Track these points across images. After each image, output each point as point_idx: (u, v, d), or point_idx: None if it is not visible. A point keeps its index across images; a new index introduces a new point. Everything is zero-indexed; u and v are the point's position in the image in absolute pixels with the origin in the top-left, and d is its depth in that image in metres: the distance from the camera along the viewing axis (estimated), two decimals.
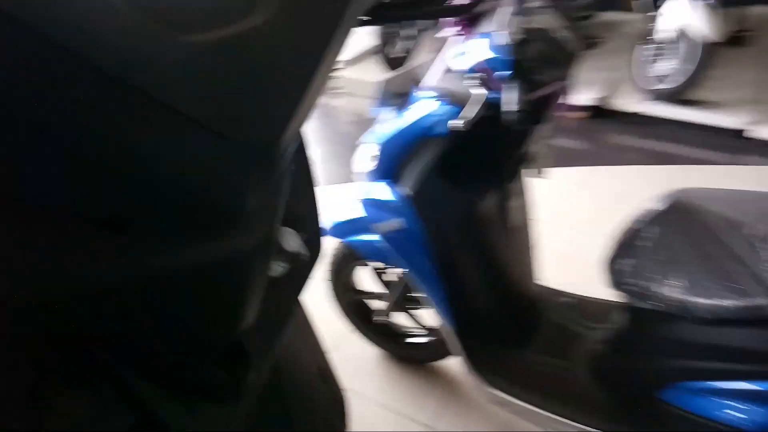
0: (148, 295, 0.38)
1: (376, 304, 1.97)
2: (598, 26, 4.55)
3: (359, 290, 1.98)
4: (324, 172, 3.40)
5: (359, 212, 1.60)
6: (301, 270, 0.62)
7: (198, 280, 0.40)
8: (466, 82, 1.26)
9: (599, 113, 3.70)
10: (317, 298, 2.15)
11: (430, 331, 1.93)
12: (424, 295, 1.55)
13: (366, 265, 1.85)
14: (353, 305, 1.97)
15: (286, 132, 0.40)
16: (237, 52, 0.36)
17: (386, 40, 4.26)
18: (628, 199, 2.88)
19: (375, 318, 1.89)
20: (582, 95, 3.63)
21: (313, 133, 3.98)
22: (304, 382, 0.79)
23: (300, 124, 0.43)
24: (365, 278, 1.95)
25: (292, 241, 0.57)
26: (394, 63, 4.21)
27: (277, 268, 0.58)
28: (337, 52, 0.45)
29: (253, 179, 0.39)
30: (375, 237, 1.58)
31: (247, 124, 0.37)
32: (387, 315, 1.89)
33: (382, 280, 1.91)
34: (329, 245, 1.88)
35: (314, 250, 0.65)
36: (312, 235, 0.65)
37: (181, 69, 0.34)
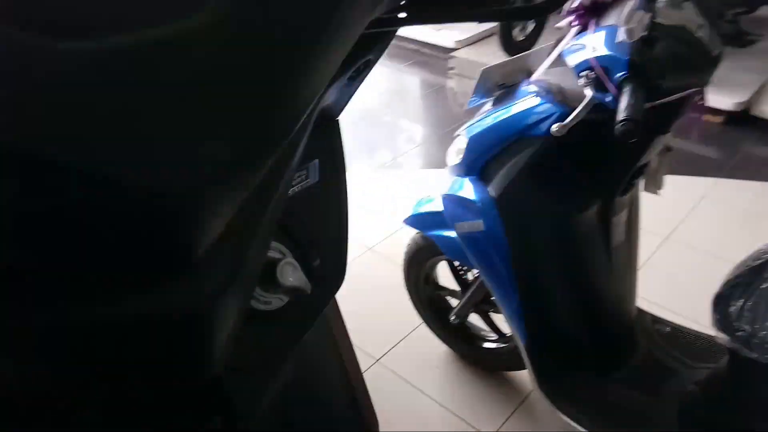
0: (92, 343, 0.33)
1: (453, 302, 1.89)
2: (754, 22, 4.05)
3: (437, 285, 1.91)
4: (426, 155, 3.33)
5: (439, 206, 1.52)
6: (307, 303, 0.56)
7: (142, 329, 0.34)
8: (579, 81, 1.13)
9: (738, 119, 3.30)
10: (390, 282, 2.12)
11: (507, 338, 1.83)
12: (499, 302, 1.45)
13: (446, 259, 1.78)
14: (428, 299, 1.91)
15: (260, 156, 0.32)
16: (168, 62, 0.28)
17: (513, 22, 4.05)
18: (760, 221, 2.55)
19: (451, 316, 1.81)
20: (719, 97, 3.25)
21: (420, 112, 3.90)
22: (328, 410, 0.74)
23: (289, 140, 0.35)
24: (445, 273, 1.87)
25: (290, 273, 0.51)
26: (515, 48, 4.00)
27: (274, 302, 0.52)
28: (334, 57, 0.35)
29: (207, 214, 0.32)
30: (454, 234, 1.50)
31: (190, 156, 0.28)
32: (463, 315, 1.81)
33: (462, 278, 1.82)
34: (407, 234, 1.82)
35: (333, 276, 0.58)
36: (332, 258, 0.58)
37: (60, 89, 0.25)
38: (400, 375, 1.91)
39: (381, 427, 1.74)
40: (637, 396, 1.45)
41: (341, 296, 2.33)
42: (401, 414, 1.79)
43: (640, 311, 1.62)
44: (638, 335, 1.56)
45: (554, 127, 1.14)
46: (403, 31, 4.56)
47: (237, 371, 0.46)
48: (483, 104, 1.47)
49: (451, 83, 4.19)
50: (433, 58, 4.50)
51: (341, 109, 0.57)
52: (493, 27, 4.24)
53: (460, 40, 4.37)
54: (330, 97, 0.55)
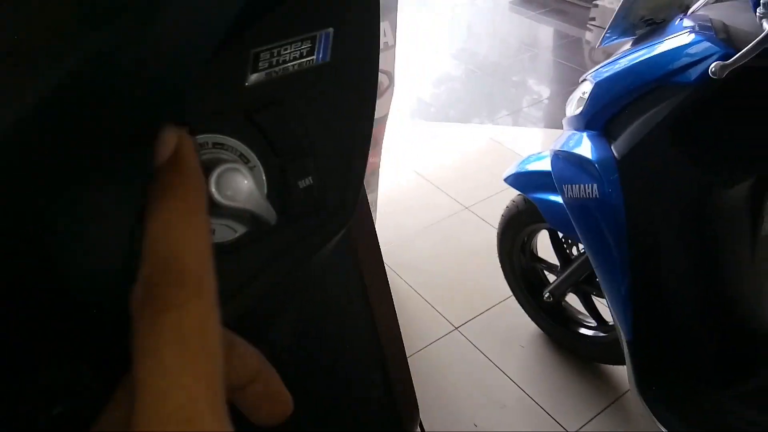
0: None
1: (551, 278, 1.69)
2: None
3: (535, 255, 1.72)
4: (550, 114, 3.05)
5: (547, 165, 1.31)
6: (283, 240, 0.39)
7: None
8: (760, 13, 0.88)
9: None
10: (483, 246, 1.94)
11: (608, 327, 1.61)
12: (603, 285, 1.24)
13: (548, 228, 1.57)
14: (522, 271, 1.72)
15: None
16: None
17: None
18: None
19: (545, 293, 1.62)
20: None
21: (549, 66, 3.58)
22: (347, 391, 0.58)
23: None
24: (545, 243, 1.66)
25: (232, 185, 0.33)
26: None
27: (216, 229, 0.35)
28: None
29: None
30: (560, 199, 1.29)
31: None
32: (560, 294, 1.61)
33: (564, 251, 1.62)
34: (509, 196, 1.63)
35: (334, 206, 0.41)
36: (335, 180, 0.41)
37: None
38: (479, 347, 1.75)
39: (442, 398, 1.62)
40: (758, 418, 1.24)
41: (426, 253, 2.20)
42: (471, 387, 1.64)
43: None
44: None
45: (714, 66, 0.89)
46: None
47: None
48: (622, 44, 1.22)
49: (589, 35, 3.80)
50: (573, 6, 4.09)
51: None
52: None
53: None
54: None
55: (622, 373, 1.65)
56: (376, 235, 0.68)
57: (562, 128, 2.75)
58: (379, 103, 1.68)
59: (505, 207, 1.65)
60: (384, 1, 1.46)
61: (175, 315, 0.21)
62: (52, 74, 0.21)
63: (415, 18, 4.15)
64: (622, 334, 1.28)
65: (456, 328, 1.81)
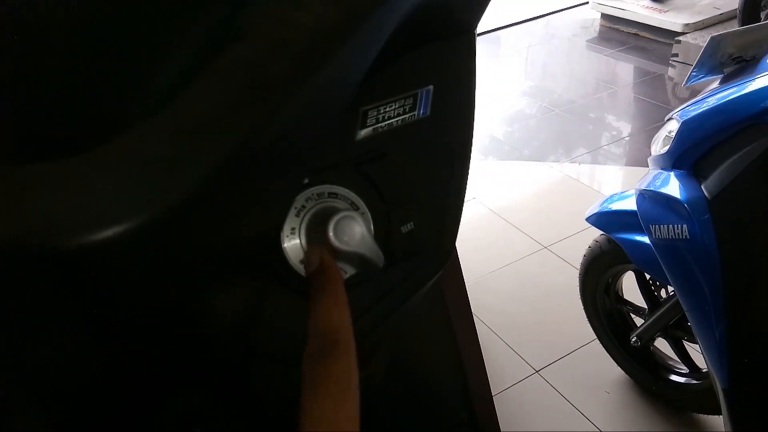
0: None
1: (637, 321, 1.64)
2: None
3: (620, 297, 1.67)
4: (631, 152, 2.99)
5: (633, 204, 1.29)
6: (385, 283, 0.42)
7: None
8: None
9: None
10: (564, 287, 1.90)
11: (701, 374, 1.53)
12: (695, 329, 1.19)
13: (634, 269, 1.53)
14: (607, 313, 1.68)
15: None
16: None
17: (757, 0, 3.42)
18: None
19: (632, 337, 1.57)
20: None
21: (630, 103, 3.51)
22: (430, 415, 0.60)
23: None
24: (630, 285, 1.62)
25: (349, 231, 0.37)
26: None
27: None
28: None
29: None
30: (647, 239, 1.26)
31: None
32: (648, 338, 1.56)
33: (652, 293, 1.57)
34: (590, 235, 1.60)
35: (432, 251, 0.44)
36: (434, 227, 0.44)
37: None
38: (561, 392, 1.70)
39: None
40: None
41: (505, 294, 2.18)
42: None
43: None
44: None
45: None
46: (621, 12, 4.15)
47: (263, 355, 0.36)
48: (708, 82, 1.20)
49: (672, 72, 3.71)
50: (654, 43, 4.02)
51: (479, 15, 0.42)
52: (733, 8, 3.63)
53: (689, 24, 3.84)
54: None
55: (716, 423, 1.55)
56: (463, 280, 0.71)
57: (643, 166, 2.68)
58: None
59: (587, 247, 1.63)
60: None
61: (331, 362, 0.31)
62: (221, 149, 0.26)
63: (488, 58, 4.20)
64: (717, 381, 1.21)
65: (537, 372, 1.77)
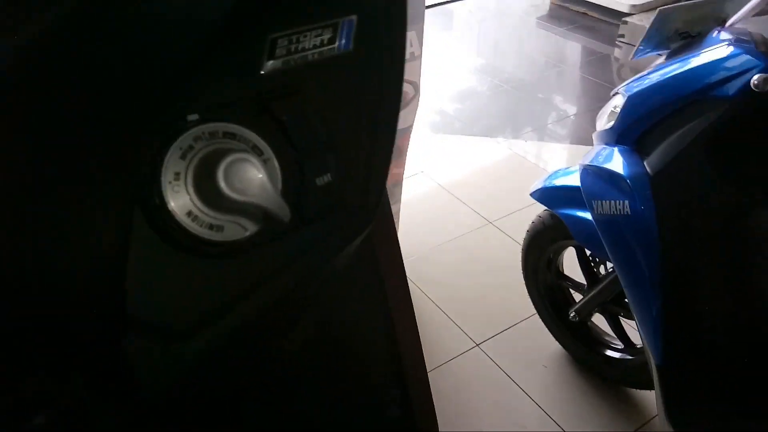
0: None
1: (576, 297, 1.65)
2: None
3: (560, 273, 1.68)
4: (576, 130, 3.01)
5: (576, 180, 1.28)
6: (296, 240, 0.36)
7: None
8: None
9: None
10: (507, 262, 1.91)
11: (636, 350, 1.56)
12: (633, 306, 1.20)
13: (575, 245, 1.53)
14: (547, 288, 1.68)
15: None
16: None
17: None
18: None
19: (571, 312, 1.57)
20: None
21: (576, 82, 3.54)
22: (357, 403, 0.55)
23: None
24: (571, 260, 1.62)
25: (242, 177, 0.31)
26: None
27: (227, 227, 0.33)
28: None
29: None
30: (589, 215, 1.26)
31: None
32: (586, 313, 1.57)
33: (591, 269, 1.57)
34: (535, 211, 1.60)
35: (355, 206, 0.38)
36: (356, 178, 0.38)
37: None
38: (500, 365, 1.71)
39: (460, 417, 1.58)
40: None
41: (448, 268, 2.17)
42: (491, 407, 1.60)
43: None
44: None
45: (756, 78, 0.86)
46: None
47: (137, 325, 0.30)
48: (654, 58, 1.19)
49: (618, 53, 3.76)
50: (601, 23, 4.06)
51: None
52: None
53: (636, 5, 3.88)
54: None
55: (649, 397, 1.59)
56: (397, 241, 0.65)
57: (588, 144, 2.71)
58: (403, 113, 1.66)
59: (530, 223, 1.62)
60: (410, 11, 1.44)
61: None
62: (51, 11, 0.19)
63: (441, 32, 4.15)
64: (651, 357, 1.23)
65: (477, 345, 1.77)
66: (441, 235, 2.20)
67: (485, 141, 2.89)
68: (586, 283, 1.59)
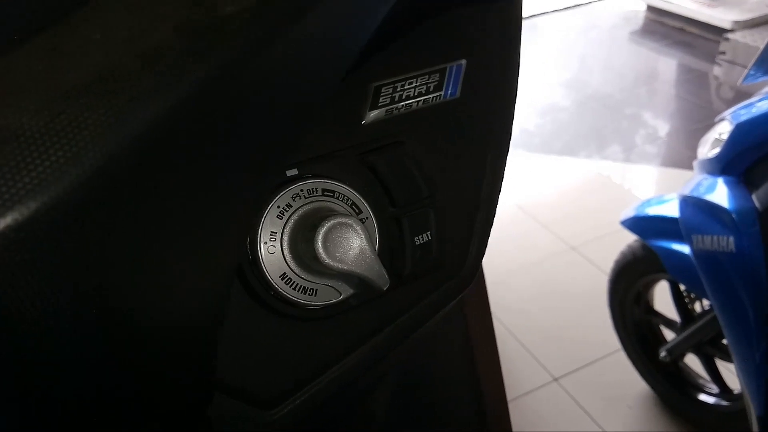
0: None
1: (668, 334, 1.58)
2: None
3: (650, 308, 1.62)
4: (668, 152, 2.90)
5: (673, 210, 1.23)
6: (393, 305, 0.35)
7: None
8: None
9: None
10: (591, 291, 1.85)
11: (733, 396, 1.48)
12: (733, 349, 1.14)
13: (668, 279, 1.47)
14: (635, 324, 1.62)
15: None
16: None
17: None
18: None
19: (661, 351, 1.51)
20: None
21: (671, 101, 3.41)
22: None
23: None
24: (663, 295, 1.56)
25: (343, 245, 0.30)
26: None
27: (320, 291, 0.32)
28: None
29: None
30: (687, 249, 1.21)
31: None
32: (678, 353, 1.51)
33: (686, 306, 1.51)
34: (626, 238, 1.55)
35: (455, 267, 0.37)
36: (458, 237, 0.37)
37: None
38: (581, 403, 1.65)
39: None
40: None
41: (526, 294, 2.14)
42: None
43: None
44: None
45: None
46: (668, 5, 4.02)
47: (228, 392, 0.30)
48: (765, 83, 1.13)
49: (717, 71, 3.59)
50: (700, 39, 3.89)
51: None
52: None
53: (739, 21, 3.71)
54: None
55: None
56: (487, 297, 0.64)
57: (682, 168, 2.61)
58: None
59: (619, 252, 1.57)
60: None
61: None
62: (181, 81, 0.20)
63: (525, 45, 4.11)
64: (751, 406, 1.16)
65: (555, 380, 1.72)
66: (518, 259, 2.16)
67: (567, 159, 2.83)
68: (679, 320, 1.52)
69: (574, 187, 2.63)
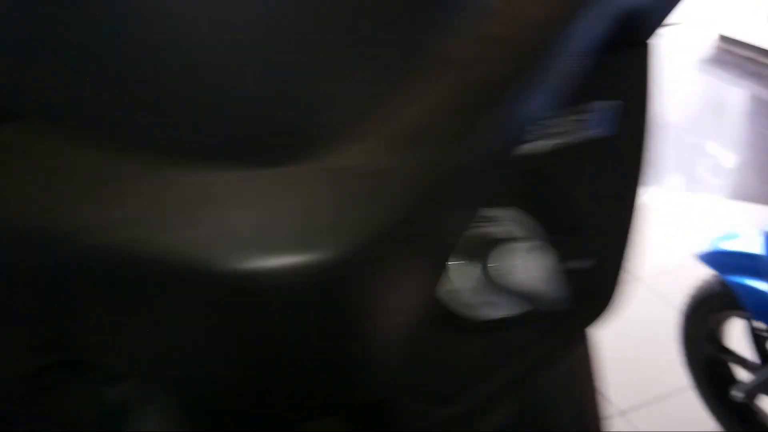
0: None
1: (740, 374, 1.54)
2: None
3: (722, 345, 1.57)
4: (736, 184, 2.82)
5: (755, 246, 1.21)
6: (555, 321, 0.38)
7: None
8: None
9: None
10: (658, 325, 1.81)
11: None
12: None
13: (745, 317, 1.44)
14: (707, 361, 1.58)
15: None
16: None
17: None
18: None
19: (734, 391, 1.47)
20: None
21: (738, 133, 3.32)
22: None
23: None
24: (737, 333, 1.52)
25: (534, 265, 0.33)
26: None
27: (500, 305, 0.35)
28: None
29: None
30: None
31: None
32: (753, 394, 1.46)
33: (762, 346, 1.47)
34: (699, 273, 1.52)
35: (603, 289, 0.40)
36: (608, 262, 0.40)
37: None
38: None
39: None
40: None
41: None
42: None
43: None
44: None
45: None
46: (737, 33, 3.93)
47: (413, 395, 0.33)
48: None
49: None
50: None
51: (656, 25, 0.38)
52: None
53: None
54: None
55: None
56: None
57: (750, 202, 2.53)
58: None
59: (694, 287, 1.54)
60: None
61: None
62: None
63: None
64: None
65: (622, 412, 1.69)
66: None
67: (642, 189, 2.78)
68: (758, 360, 1.48)
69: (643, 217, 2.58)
